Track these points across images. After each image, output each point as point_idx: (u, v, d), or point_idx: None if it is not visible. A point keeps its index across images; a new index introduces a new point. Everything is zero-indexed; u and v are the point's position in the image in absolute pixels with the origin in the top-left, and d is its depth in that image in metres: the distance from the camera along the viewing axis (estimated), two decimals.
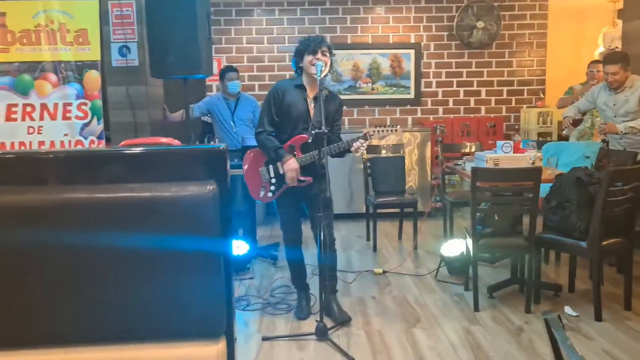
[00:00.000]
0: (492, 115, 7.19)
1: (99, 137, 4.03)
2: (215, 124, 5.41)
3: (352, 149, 3.33)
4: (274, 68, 7.03)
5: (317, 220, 3.27)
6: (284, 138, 3.48)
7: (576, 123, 4.87)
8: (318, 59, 3.34)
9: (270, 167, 3.54)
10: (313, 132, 3.16)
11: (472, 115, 7.18)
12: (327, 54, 3.39)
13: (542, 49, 7.14)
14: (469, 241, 3.80)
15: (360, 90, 7.10)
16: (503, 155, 4.06)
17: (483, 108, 7.22)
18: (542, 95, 7.14)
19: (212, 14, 6.85)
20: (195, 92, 6.14)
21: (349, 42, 7.03)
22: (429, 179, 6.61)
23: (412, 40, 7.06)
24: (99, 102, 4.01)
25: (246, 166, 3.66)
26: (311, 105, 3.46)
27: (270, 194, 3.56)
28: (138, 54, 4.57)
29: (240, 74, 6.95)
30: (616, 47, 6.69)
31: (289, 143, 3.45)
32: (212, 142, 4.74)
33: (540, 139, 6.81)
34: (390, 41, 7.06)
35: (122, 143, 3.93)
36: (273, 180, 3.54)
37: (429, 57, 7.10)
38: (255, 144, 4.43)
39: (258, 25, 7.00)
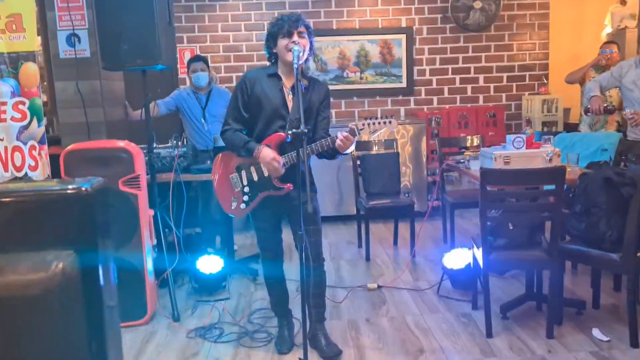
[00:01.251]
0: (491, 104, 6.62)
1: (41, 142, 3.41)
2: (185, 122, 4.81)
3: (336, 145, 2.75)
4: (253, 57, 6.41)
5: (299, 238, 2.69)
6: (257, 138, 2.89)
7: (607, 111, 4.28)
8: (294, 42, 2.75)
9: (242, 173, 2.96)
10: (290, 132, 2.56)
11: (469, 105, 6.61)
12: (305, 35, 2.80)
13: (544, 31, 6.58)
14: (477, 252, 3.24)
15: (348, 80, 6.51)
16: (514, 152, 3.49)
17: (481, 97, 6.65)
18: (545, 81, 6.58)
19: None
20: (163, 86, 5.52)
21: (334, 27, 6.42)
22: (426, 175, 6.04)
23: (403, 25, 6.47)
24: (39, 100, 3.39)
25: (215, 174, 3.07)
26: (289, 97, 2.87)
27: (243, 206, 2.97)
28: (89, 43, 3.95)
29: (216, 64, 6.36)
30: (626, 27, 6.14)
31: (263, 143, 2.86)
32: (180, 142, 4.14)
33: (545, 128, 6.28)
34: (380, 26, 6.46)
35: (68, 148, 3.31)
36: (246, 189, 2.95)
37: (422, 43, 6.51)
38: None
39: (234, 11, 6.37)
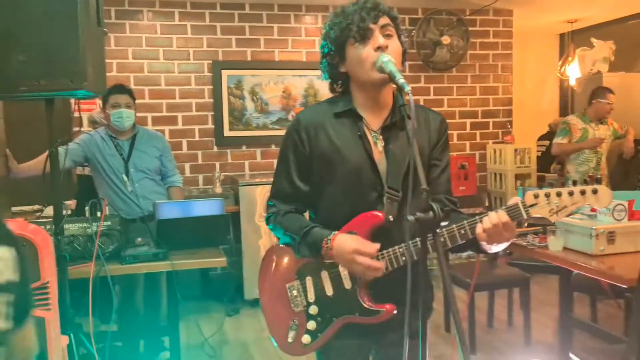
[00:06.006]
0: (454, 153, 5.76)
1: None
2: (99, 180, 3.31)
3: (477, 233, 1.44)
4: (174, 94, 5.01)
5: None
6: (328, 226, 1.58)
7: None
8: (380, 47, 1.52)
9: (308, 281, 1.61)
10: (412, 217, 1.27)
11: None
12: (393, 29, 1.58)
13: (507, 74, 5.90)
14: None
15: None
16: (618, 226, 2.49)
17: None
18: (509, 128, 5.87)
19: None
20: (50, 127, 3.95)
21: (277, 59, 5.23)
22: None
23: None
24: None
25: (264, 280, 1.71)
26: (377, 147, 1.61)
27: (307, 339, 1.60)
28: None
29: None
30: (598, 71, 5.64)
31: (343, 229, 1.56)
32: (100, 213, 2.67)
33: (519, 181, 5.52)
34: None
35: None
36: (312, 310, 1.60)
37: None
38: (172, 213, 2.91)
39: (150, 34, 4.96)
